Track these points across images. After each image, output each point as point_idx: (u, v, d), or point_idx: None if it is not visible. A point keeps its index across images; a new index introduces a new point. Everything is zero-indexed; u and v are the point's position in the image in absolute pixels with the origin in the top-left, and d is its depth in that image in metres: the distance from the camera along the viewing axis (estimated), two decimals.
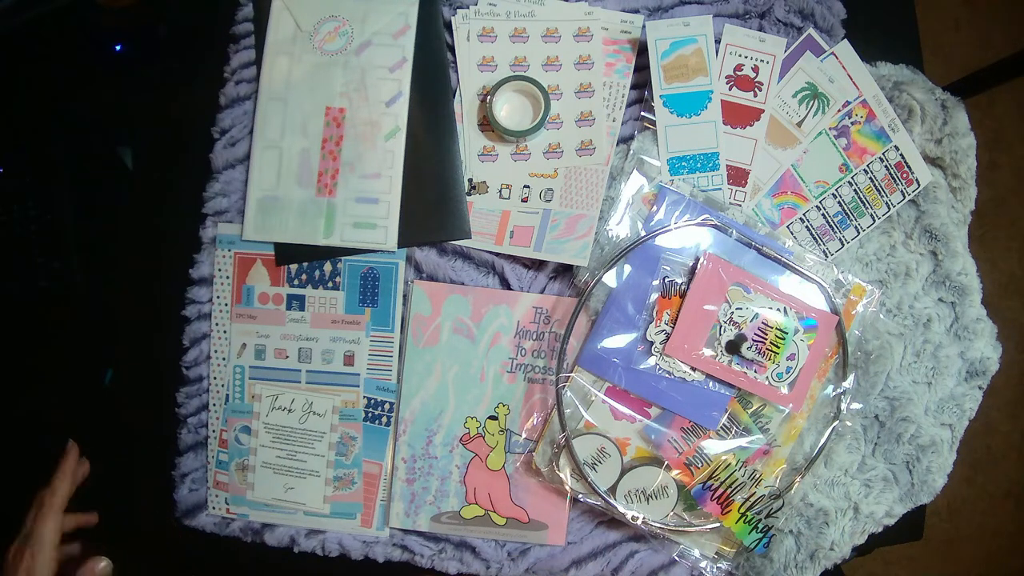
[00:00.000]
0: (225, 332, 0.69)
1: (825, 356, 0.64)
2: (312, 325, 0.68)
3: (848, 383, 0.64)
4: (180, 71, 0.74)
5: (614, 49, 0.70)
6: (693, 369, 0.64)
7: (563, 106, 0.69)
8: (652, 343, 0.64)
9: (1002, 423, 1.47)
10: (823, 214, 0.68)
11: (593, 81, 0.69)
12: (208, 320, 0.69)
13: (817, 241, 0.68)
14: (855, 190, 0.68)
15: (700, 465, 0.64)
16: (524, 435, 0.67)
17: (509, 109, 0.69)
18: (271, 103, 0.69)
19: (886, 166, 0.68)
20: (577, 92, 0.69)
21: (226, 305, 0.69)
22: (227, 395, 0.68)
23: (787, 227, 0.68)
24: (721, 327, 0.63)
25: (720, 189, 0.67)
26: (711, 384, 0.64)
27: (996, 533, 1.48)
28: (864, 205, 0.68)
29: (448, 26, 0.71)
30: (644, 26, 0.69)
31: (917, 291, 0.68)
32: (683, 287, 0.64)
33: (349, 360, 0.68)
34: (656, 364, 0.64)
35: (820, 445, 0.64)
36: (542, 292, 0.68)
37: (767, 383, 0.63)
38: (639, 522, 0.63)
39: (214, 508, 0.68)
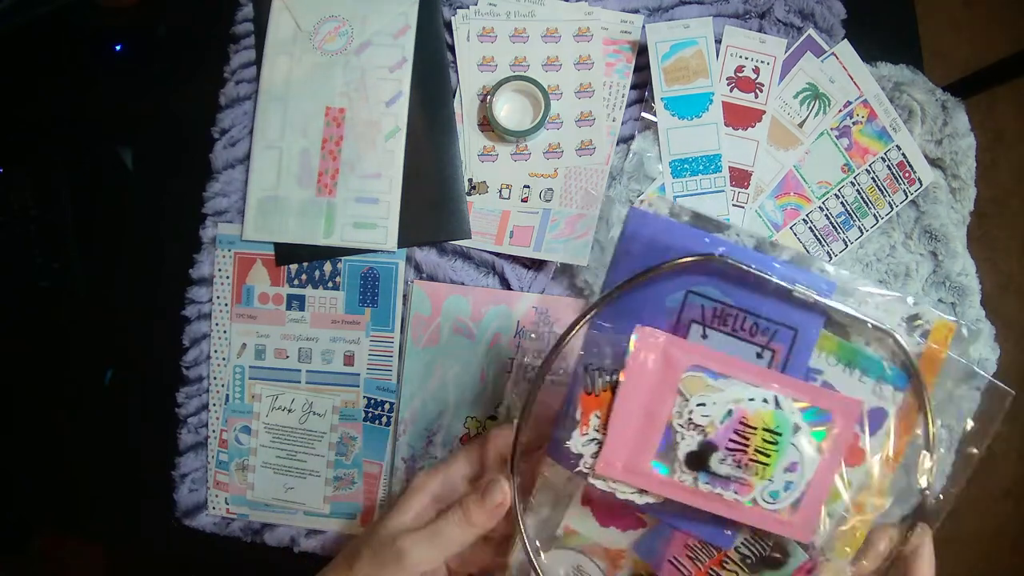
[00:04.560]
0: (225, 332, 0.69)
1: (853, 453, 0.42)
2: (312, 325, 0.68)
3: (928, 471, 0.44)
4: (180, 71, 0.74)
5: (614, 49, 0.70)
6: (643, 492, 0.43)
7: (563, 106, 0.69)
8: (582, 457, 0.43)
9: (1002, 423, 1.47)
10: (826, 215, 0.68)
11: (593, 81, 0.69)
12: (208, 320, 0.69)
13: (821, 242, 0.68)
14: (858, 190, 0.68)
15: None
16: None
17: (509, 109, 0.68)
18: (271, 103, 0.69)
19: (888, 166, 0.68)
20: (577, 92, 0.69)
21: (226, 305, 0.69)
22: (227, 395, 0.68)
23: (790, 228, 0.68)
24: (676, 433, 0.41)
25: (722, 191, 0.67)
26: None
27: (996, 533, 1.48)
28: (867, 205, 0.68)
29: (448, 26, 0.71)
30: (644, 28, 0.69)
31: (917, 292, 0.68)
32: (613, 377, 0.42)
33: (349, 360, 0.68)
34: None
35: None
36: (542, 292, 0.68)
37: (756, 506, 0.41)
38: None
39: (214, 508, 0.68)
